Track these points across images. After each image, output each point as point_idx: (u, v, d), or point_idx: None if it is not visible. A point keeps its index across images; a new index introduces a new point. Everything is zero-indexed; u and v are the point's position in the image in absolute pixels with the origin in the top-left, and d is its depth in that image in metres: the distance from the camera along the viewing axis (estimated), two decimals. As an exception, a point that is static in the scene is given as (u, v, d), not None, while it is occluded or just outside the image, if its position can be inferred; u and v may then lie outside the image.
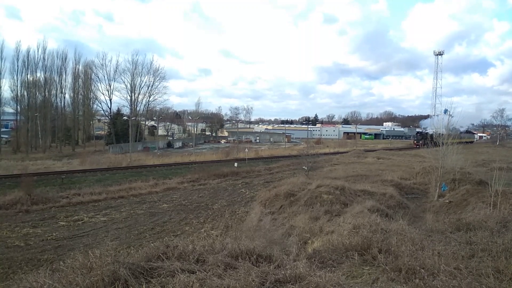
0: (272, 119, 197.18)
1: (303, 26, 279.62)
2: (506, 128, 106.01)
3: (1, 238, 15.25)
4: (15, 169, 32.67)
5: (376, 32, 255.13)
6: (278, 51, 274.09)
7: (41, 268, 5.33)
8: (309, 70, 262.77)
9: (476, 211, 12.26)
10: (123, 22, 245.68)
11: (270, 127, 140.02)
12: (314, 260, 6.06)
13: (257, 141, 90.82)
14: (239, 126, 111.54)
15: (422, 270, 5.29)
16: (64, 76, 67.93)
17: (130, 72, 67.21)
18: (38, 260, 12.76)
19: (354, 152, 53.31)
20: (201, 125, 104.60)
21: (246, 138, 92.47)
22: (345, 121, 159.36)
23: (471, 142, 62.60)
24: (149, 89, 68.68)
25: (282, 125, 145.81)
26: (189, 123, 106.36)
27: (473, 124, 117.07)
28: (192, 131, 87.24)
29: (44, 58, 63.94)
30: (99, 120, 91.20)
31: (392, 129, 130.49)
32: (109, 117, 70.26)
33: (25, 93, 62.17)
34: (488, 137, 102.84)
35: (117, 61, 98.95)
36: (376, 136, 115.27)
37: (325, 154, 50.90)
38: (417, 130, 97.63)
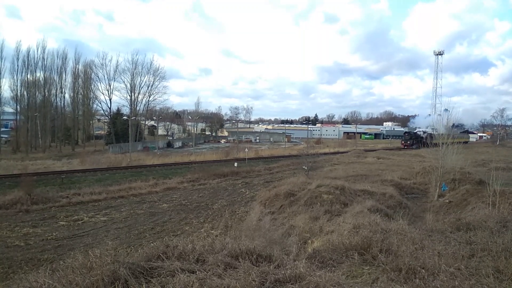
0: (272, 119, 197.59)
1: (304, 25, 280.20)
2: (506, 128, 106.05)
3: (1, 238, 15.26)
4: (15, 169, 32.69)
5: (377, 32, 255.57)
6: (278, 51, 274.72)
7: (41, 268, 5.32)
8: (310, 70, 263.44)
9: (476, 211, 12.26)
10: (123, 21, 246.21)
11: (270, 127, 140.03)
12: (314, 260, 6.05)
13: (257, 141, 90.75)
14: (239, 126, 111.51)
15: (423, 270, 5.29)
16: (64, 75, 67.95)
17: (130, 72, 67.27)
18: (38, 259, 12.78)
19: (354, 152, 53.29)
20: (201, 125, 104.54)
21: (246, 138, 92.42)
22: (345, 121, 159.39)
23: (466, 142, 61.83)
24: (149, 88, 68.74)
25: (282, 125, 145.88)
26: (189, 123, 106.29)
27: (473, 124, 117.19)
28: (192, 131, 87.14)
29: (44, 58, 63.94)
30: (99, 120, 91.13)
31: (392, 129, 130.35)
32: (109, 116, 70.22)
33: (25, 93, 62.06)
34: (489, 137, 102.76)
35: (117, 61, 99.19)
36: (376, 136, 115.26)
37: (325, 154, 50.88)
38: (406, 130, 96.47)
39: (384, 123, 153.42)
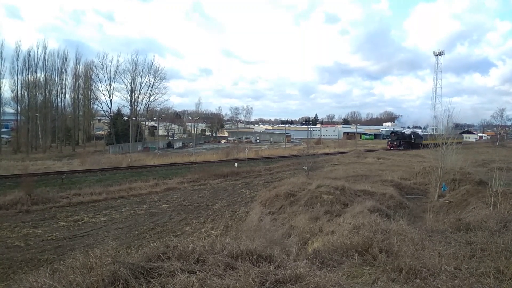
0: (272, 119, 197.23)
1: (304, 25, 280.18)
2: (506, 128, 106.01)
3: (1, 238, 15.26)
4: (15, 169, 32.69)
5: (377, 32, 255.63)
6: (279, 51, 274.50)
7: (41, 268, 5.34)
8: (310, 70, 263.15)
9: (476, 211, 12.28)
10: (123, 21, 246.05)
11: (270, 127, 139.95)
12: (314, 260, 6.05)
13: (257, 141, 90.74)
14: (239, 126, 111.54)
15: (423, 270, 5.29)
16: (64, 76, 68.11)
17: (131, 72, 67.16)
18: (38, 260, 12.78)
19: (354, 152, 53.31)
20: (201, 125, 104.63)
21: (246, 138, 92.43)
22: (345, 121, 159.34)
23: (460, 143, 61.36)
24: (149, 89, 68.64)
25: (282, 125, 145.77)
26: (189, 123, 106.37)
27: (474, 124, 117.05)
28: (192, 131, 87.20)
29: (44, 58, 64.09)
30: (99, 120, 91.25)
31: (392, 129, 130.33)
32: (109, 117, 70.19)
33: (26, 93, 62.20)
34: (489, 137, 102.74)
35: (118, 61, 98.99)
36: (376, 136, 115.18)
37: (325, 154, 50.93)
38: (392, 130, 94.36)
39: (384, 124, 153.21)
